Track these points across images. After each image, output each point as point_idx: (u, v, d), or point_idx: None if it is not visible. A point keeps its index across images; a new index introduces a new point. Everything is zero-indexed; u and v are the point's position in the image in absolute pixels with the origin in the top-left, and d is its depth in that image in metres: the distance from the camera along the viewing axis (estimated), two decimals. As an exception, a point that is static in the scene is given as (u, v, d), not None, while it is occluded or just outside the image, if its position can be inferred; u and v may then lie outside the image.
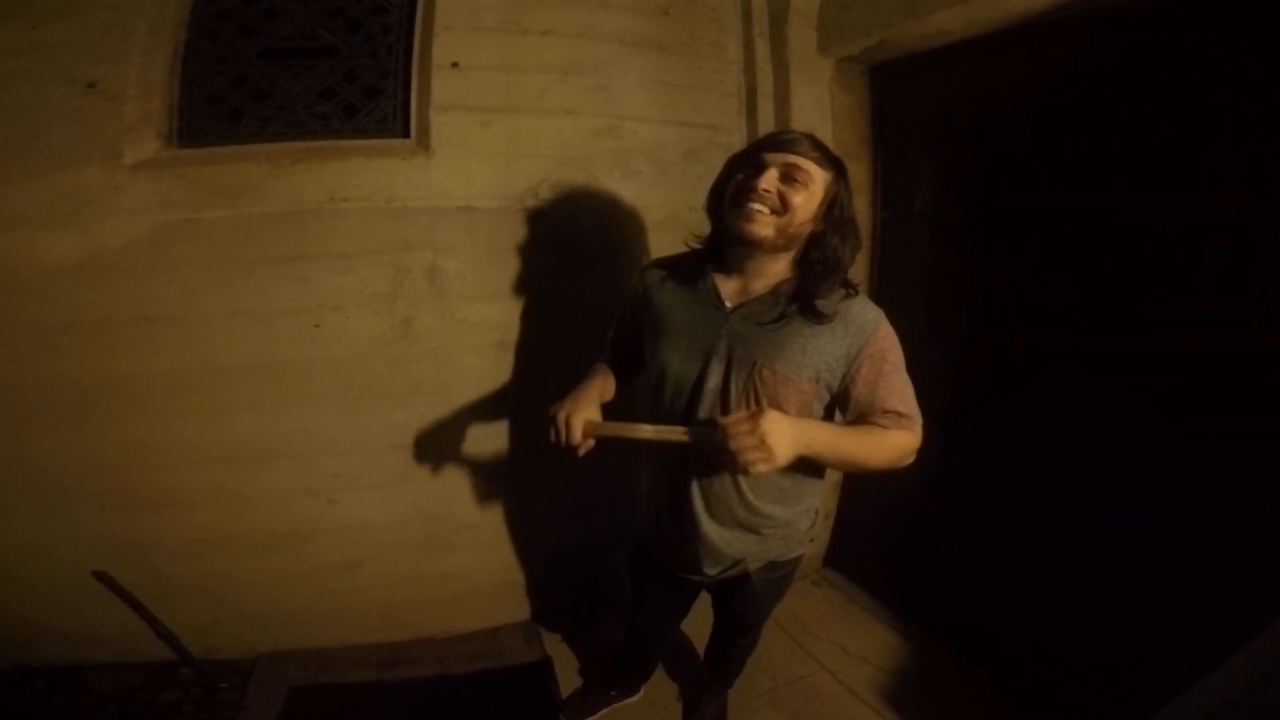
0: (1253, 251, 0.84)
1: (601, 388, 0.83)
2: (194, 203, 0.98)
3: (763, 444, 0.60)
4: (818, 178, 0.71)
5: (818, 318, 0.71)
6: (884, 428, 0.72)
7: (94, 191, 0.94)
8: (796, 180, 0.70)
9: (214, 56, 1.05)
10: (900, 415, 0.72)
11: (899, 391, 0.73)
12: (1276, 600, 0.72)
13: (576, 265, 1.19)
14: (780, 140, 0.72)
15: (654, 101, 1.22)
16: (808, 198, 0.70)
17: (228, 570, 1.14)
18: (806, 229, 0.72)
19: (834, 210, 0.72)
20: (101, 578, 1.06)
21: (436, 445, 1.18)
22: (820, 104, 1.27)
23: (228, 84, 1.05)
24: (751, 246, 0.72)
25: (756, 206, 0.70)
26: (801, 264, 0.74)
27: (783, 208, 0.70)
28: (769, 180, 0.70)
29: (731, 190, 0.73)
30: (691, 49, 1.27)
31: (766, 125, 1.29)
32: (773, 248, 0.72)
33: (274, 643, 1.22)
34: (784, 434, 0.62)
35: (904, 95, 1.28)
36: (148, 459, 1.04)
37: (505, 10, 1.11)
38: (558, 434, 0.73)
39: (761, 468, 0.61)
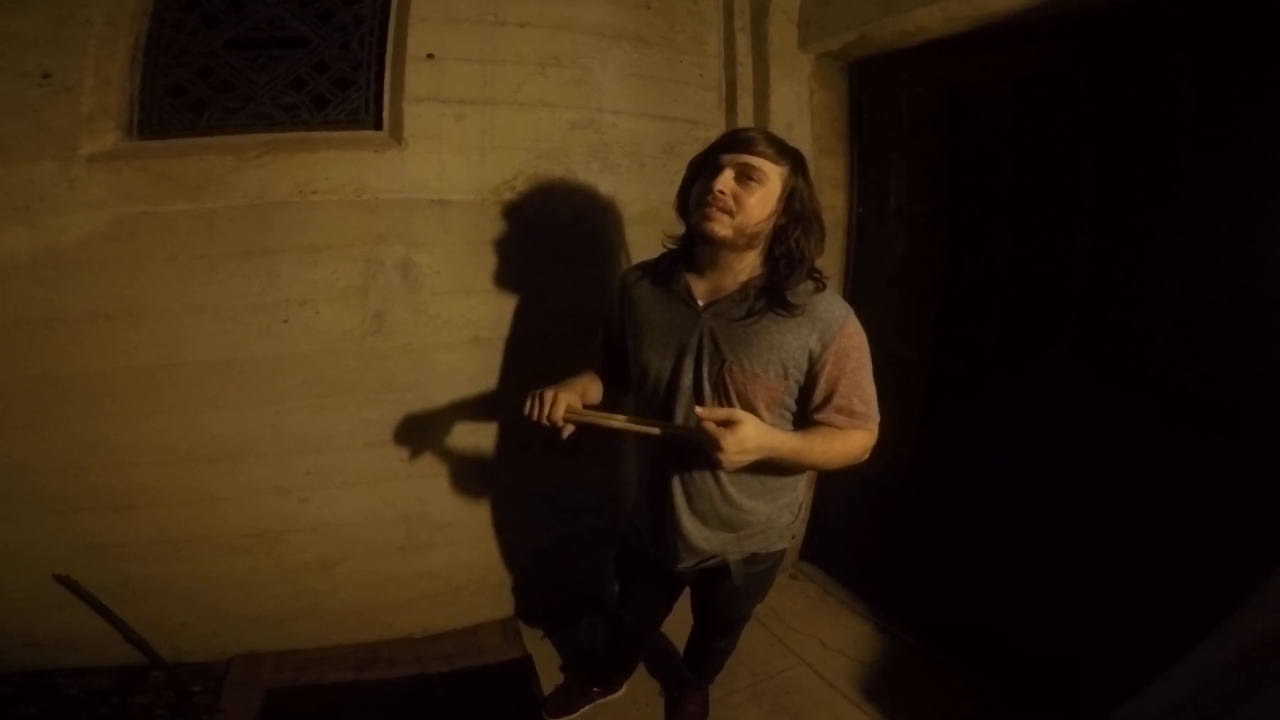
0: (1213, 248, 0.86)
1: (585, 385, 0.83)
2: (154, 196, 0.95)
3: (725, 440, 0.63)
4: (773, 174, 0.71)
5: (787, 310, 0.72)
6: (840, 428, 0.74)
7: (48, 186, 0.91)
8: (751, 179, 0.71)
9: (177, 47, 1.02)
10: (856, 414, 0.73)
11: (860, 390, 0.74)
12: (1245, 592, 0.73)
13: (553, 260, 1.18)
14: (735, 140, 0.72)
15: (633, 95, 1.22)
16: (764, 196, 0.71)
17: (197, 571, 1.12)
18: (768, 225, 0.72)
19: (794, 203, 0.72)
20: (64, 581, 1.04)
21: (411, 442, 1.16)
22: (799, 99, 1.27)
23: (191, 75, 1.02)
24: (716, 246, 0.73)
25: (713, 208, 0.71)
26: (768, 259, 0.74)
27: (738, 208, 0.70)
28: (724, 182, 0.70)
29: (695, 192, 0.74)
30: (672, 42, 1.26)
31: (746, 120, 1.28)
32: (735, 246, 0.73)
33: (248, 644, 1.20)
34: (748, 438, 0.64)
35: (881, 92, 1.29)
36: (110, 459, 1.02)
37: (482, 2, 1.10)
38: (539, 407, 0.73)
39: (723, 458, 0.64)
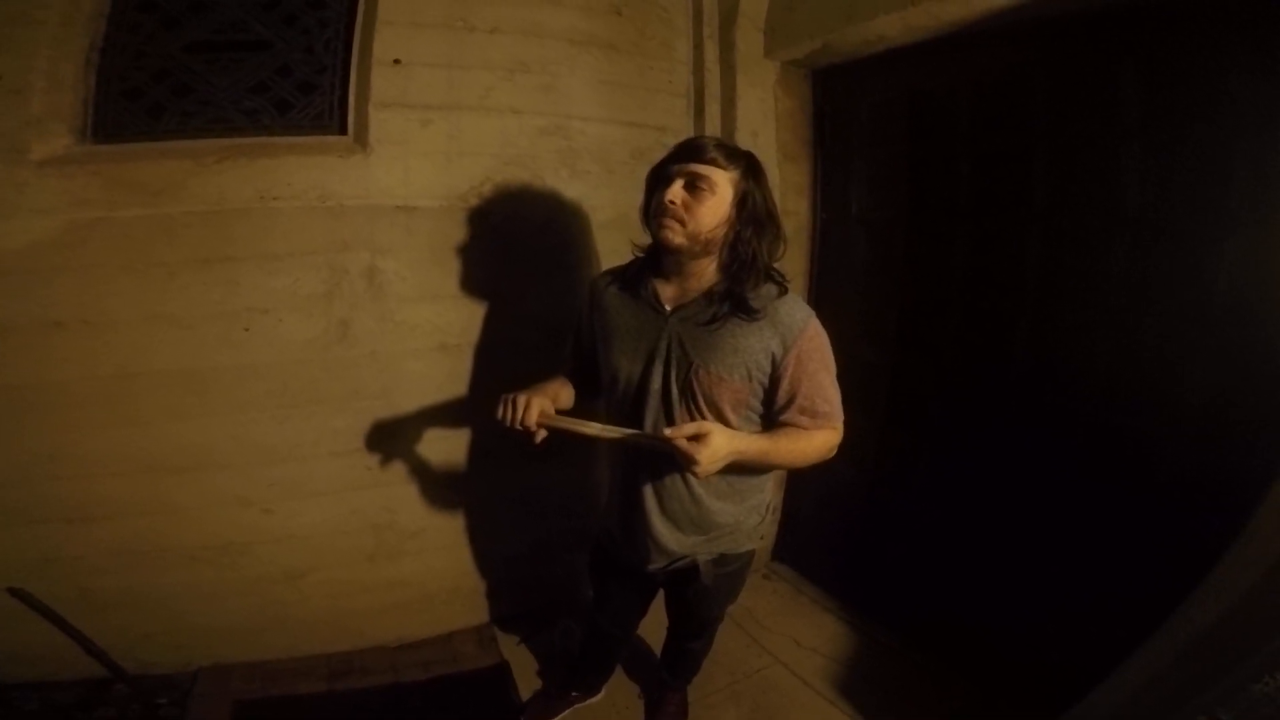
0: (1150, 250, 0.89)
1: (557, 390, 0.84)
2: (108, 201, 0.93)
3: (698, 454, 0.65)
4: (722, 180, 0.73)
5: (749, 314, 0.73)
6: (805, 428, 0.75)
7: (-6, 190, 0.89)
8: (700, 188, 0.72)
9: (134, 49, 1.00)
10: (820, 414, 0.75)
11: (823, 390, 0.75)
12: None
13: (522, 266, 1.18)
14: (686, 150, 0.74)
15: (602, 101, 1.22)
16: (714, 203, 0.73)
17: (160, 583, 1.10)
18: (721, 231, 0.74)
19: (747, 207, 0.74)
20: (17, 594, 1.01)
21: (379, 451, 1.16)
22: (764, 106, 1.29)
23: (148, 78, 1.00)
24: (674, 254, 0.75)
25: (666, 218, 0.73)
26: (725, 264, 0.76)
27: (689, 216, 0.72)
28: (674, 192, 0.73)
29: (652, 203, 0.76)
30: (641, 49, 1.27)
31: (713, 126, 1.30)
32: (692, 253, 0.74)
33: (215, 656, 1.18)
34: (719, 448, 0.66)
35: (844, 99, 1.31)
36: (68, 470, 1.00)
37: (450, 6, 1.10)
38: (512, 413, 0.73)
39: (698, 470, 0.65)
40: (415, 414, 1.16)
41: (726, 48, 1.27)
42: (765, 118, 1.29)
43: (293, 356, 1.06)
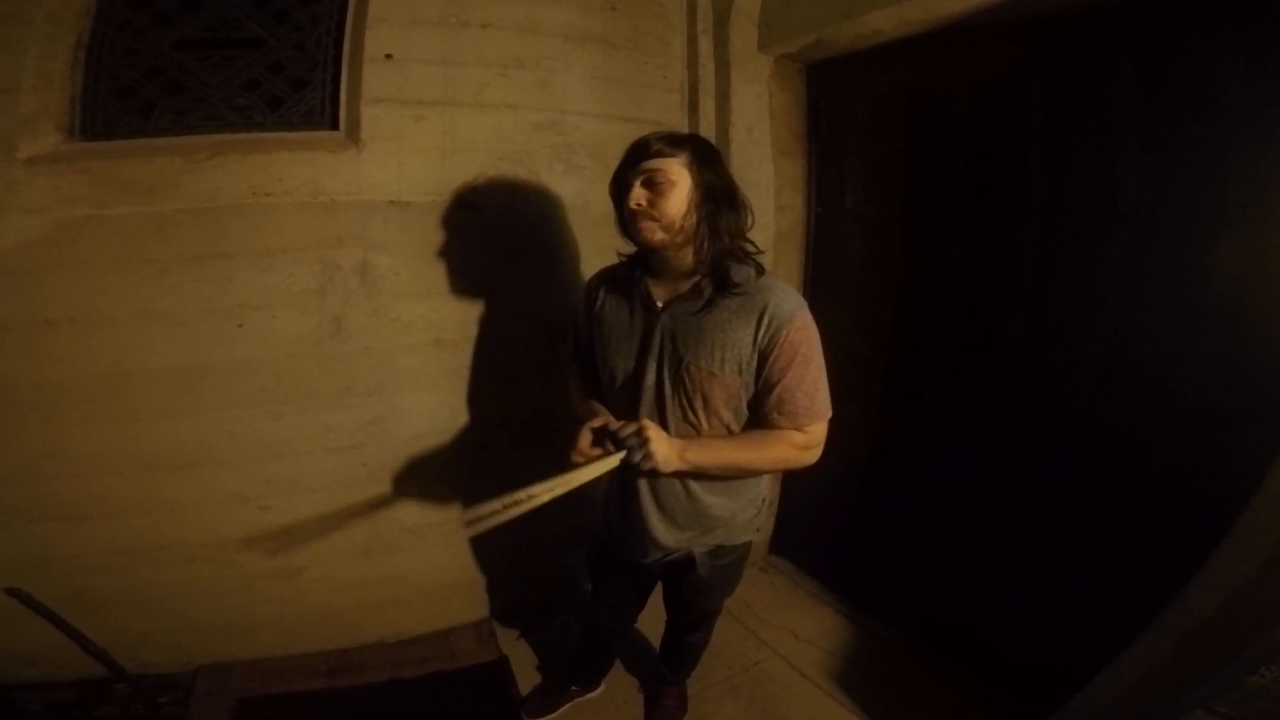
0: (1147, 248, 0.89)
1: (594, 407, 0.83)
2: (99, 199, 0.93)
3: (648, 452, 0.67)
4: (675, 168, 0.73)
5: (733, 289, 0.73)
6: (779, 429, 0.75)
7: (-15, 188, 0.89)
8: (658, 183, 0.73)
9: (123, 47, 0.99)
10: (799, 410, 0.74)
11: (805, 385, 0.74)
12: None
13: (516, 261, 1.18)
14: (634, 153, 0.75)
15: (597, 97, 1.22)
16: (676, 192, 0.73)
17: (158, 581, 1.10)
18: (694, 217, 0.74)
19: (704, 185, 0.74)
20: (16, 594, 1.01)
21: (373, 446, 1.16)
22: (759, 101, 1.29)
23: (138, 76, 0.99)
24: (660, 251, 0.75)
25: (641, 221, 0.74)
26: (702, 246, 0.76)
27: (659, 213, 0.73)
28: (636, 196, 0.73)
29: (624, 214, 0.77)
30: (637, 45, 1.27)
31: (708, 122, 1.30)
32: (675, 245, 0.75)
33: (215, 654, 1.19)
34: (661, 449, 0.68)
35: (839, 94, 1.31)
36: (63, 469, 1.00)
37: (444, 3, 1.09)
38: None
39: (648, 467, 0.68)
40: (410, 409, 1.16)
41: (721, 43, 1.27)
42: (760, 113, 1.29)
43: (286, 352, 1.05)
